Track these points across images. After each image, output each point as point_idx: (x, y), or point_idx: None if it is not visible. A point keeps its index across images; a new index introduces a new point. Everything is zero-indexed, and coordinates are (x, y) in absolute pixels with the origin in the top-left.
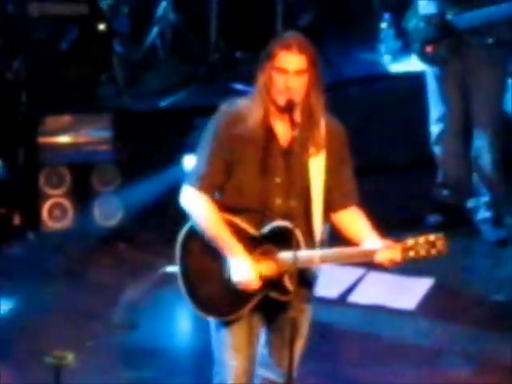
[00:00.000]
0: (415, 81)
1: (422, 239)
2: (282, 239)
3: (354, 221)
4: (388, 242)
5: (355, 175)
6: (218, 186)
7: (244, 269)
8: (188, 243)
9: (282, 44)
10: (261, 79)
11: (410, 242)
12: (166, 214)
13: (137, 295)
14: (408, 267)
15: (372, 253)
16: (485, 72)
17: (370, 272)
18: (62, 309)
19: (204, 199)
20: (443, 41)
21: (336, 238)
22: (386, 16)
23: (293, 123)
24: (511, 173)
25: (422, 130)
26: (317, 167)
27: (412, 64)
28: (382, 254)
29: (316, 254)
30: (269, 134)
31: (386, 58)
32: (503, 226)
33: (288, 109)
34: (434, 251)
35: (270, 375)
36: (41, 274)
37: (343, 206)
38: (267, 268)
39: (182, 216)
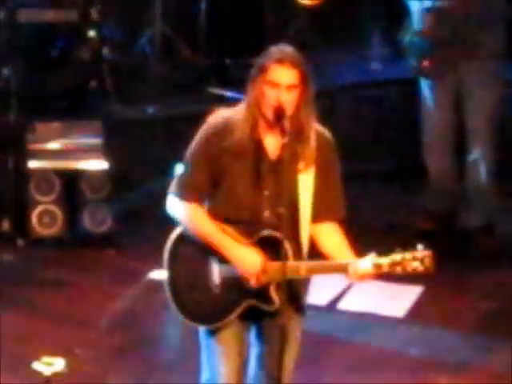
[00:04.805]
0: (405, 87)
1: (409, 255)
2: (270, 249)
3: (331, 236)
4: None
5: (343, 182)
6: (201, 197)
7: (249, 257)
8: (176, 250)
9: (274, 57)
10: (251, 92)
11: (397, 257)
12: (155, 220)
13: (125, 302)
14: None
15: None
16: (478, 83)
17: None
18: (50, 315)
19: (190, 206)
20: (438, 54)
21: None
22: (377, 23)
23: (283, 131)
24: (505, 181)
25: (411, 137)
26: (306, 182)
27: (402, 71)
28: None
29: (303, 265)
30: (258, 147)
31: (376, 65)
32: (494, 235)
33: (277, 118)
34: (421, 268)
35: None
36: (29, 281)
37: (322, 218)
38: None
39: (169, 223)
